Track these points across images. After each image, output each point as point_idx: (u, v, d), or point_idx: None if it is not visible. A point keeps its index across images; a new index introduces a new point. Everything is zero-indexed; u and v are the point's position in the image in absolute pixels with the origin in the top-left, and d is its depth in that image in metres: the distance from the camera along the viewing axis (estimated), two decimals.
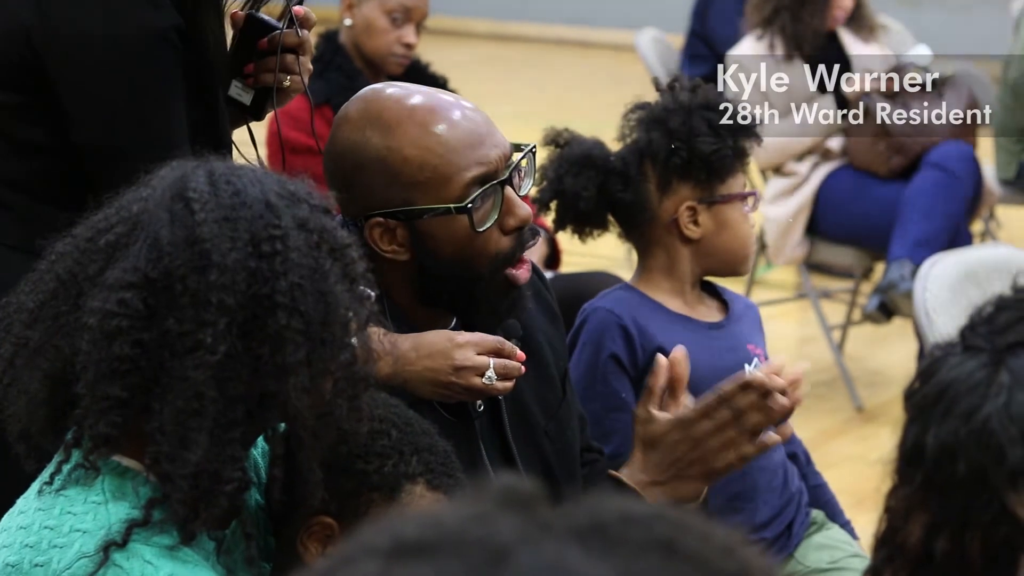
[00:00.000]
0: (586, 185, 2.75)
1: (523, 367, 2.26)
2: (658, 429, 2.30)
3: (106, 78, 2.29)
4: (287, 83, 2.45)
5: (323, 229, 1.77)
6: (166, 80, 2.31)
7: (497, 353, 2.24)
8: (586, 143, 2.80)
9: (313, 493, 1.84)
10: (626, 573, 0.80)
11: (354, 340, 1.78)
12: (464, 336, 2.23)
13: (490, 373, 2.23)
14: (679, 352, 2.33)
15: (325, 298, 1.74)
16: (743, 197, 2.77)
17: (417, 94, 2.27)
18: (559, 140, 2.80)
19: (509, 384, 2.25)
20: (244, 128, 2.55)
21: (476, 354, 2.22)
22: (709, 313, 2.83)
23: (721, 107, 2.78)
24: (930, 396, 1.37)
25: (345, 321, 1.76)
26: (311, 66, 2.50)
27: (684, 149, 2.74)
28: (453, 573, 0.80)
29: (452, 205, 2.21)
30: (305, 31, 2.46)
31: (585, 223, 2.79)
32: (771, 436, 2.31)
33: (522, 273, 2.28)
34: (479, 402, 2.34)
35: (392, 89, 2.30)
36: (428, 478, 1.93)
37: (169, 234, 1.72)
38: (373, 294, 1.87)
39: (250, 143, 2.49)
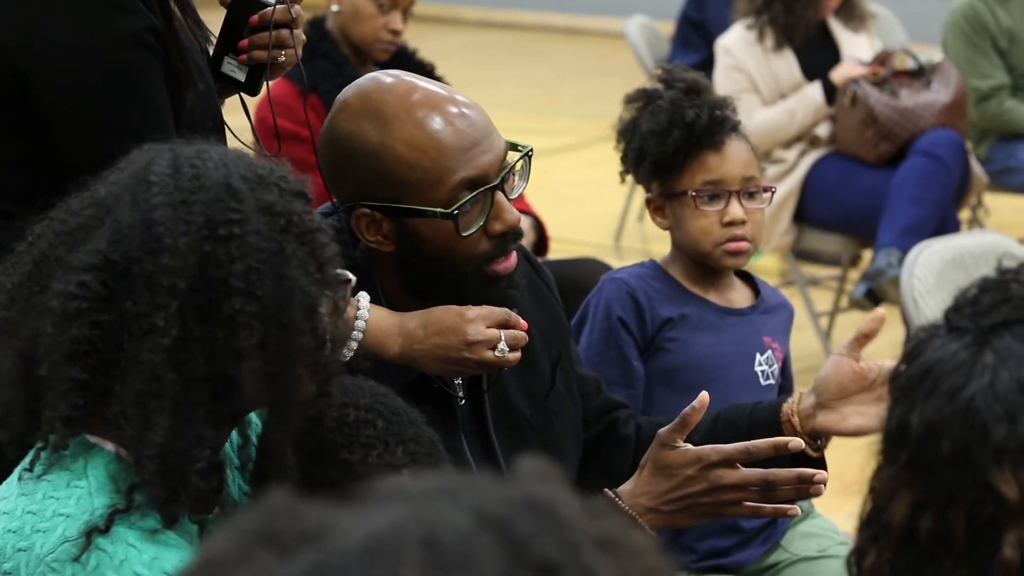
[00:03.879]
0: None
1: (527, 336, 2.26)
2: (676, 458, 2.24)
3: (84, 87, 2.28)
4: (282, 58, 2.45)
5: (291, 213, 1.76)
6: (146, 83, 2.29)
7: (505, 325, 2.24)
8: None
9: (285, 478, 1.84)
10: None
11: (321, 325, 1.77)
12: (474, 311, 2.22)
13: (502, 346, 2.22)
14: (704, 398, 2.27)
15: (283, 282, 1.73)
16: (684, 194, 2.77)
17: (418, 90, 2.26)
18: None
19: (518, 355, 2.25)
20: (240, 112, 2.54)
21: (486, 327, 2.22)
22: (734, 299, 2.84)
23: (675, 102, 2.78)
24: (915, 377, 1.38)
25: (307, 306, 1.75)
26: (304, 37, 2.49)
27: (627, 142, 2.80)
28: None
29: (439, 210, 2.20)
30: (297, 6, 2.45)
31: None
32: (793, 509, 2.29)
33: (505, 265, 2.28)
34: (460, 392, 2.34)
35: (393, 81, 2.28)
36: (413, 469, 1.93)
37: (128, 217, 1.74)
38: (352, 278, 1.87)
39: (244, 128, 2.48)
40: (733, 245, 2.76)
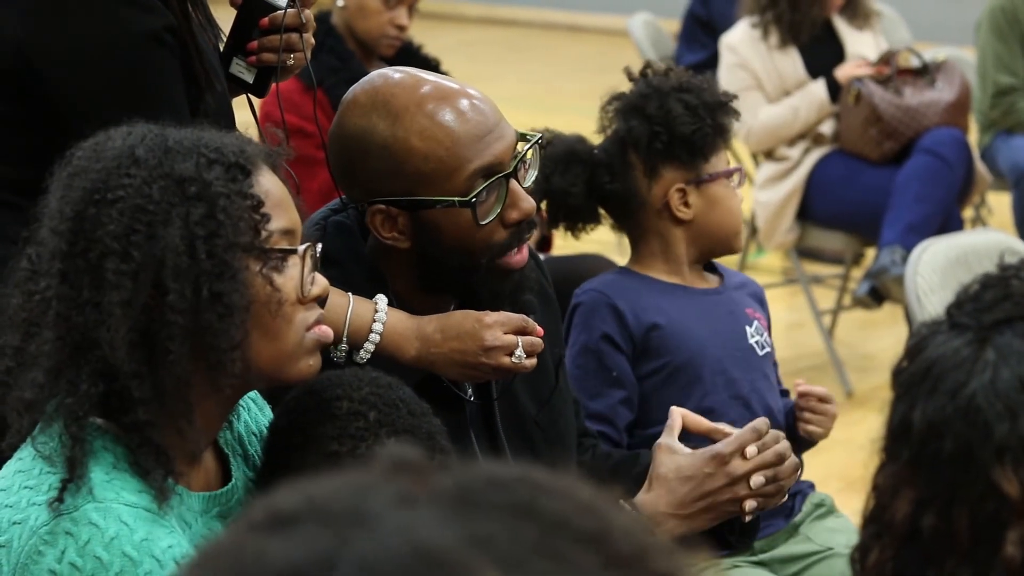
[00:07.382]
0: (574, 181, 2.81)
1: (543, 342, 2.28)
2: (693, 460, 2.31)
3: (103, 85, 2.29)
4: (291, 62, 2.45)
5: (202, 181, 1.77)
6: (164, 81, 2.30)
7: (522, 331, 2.25)
8: (568, 139, 2.86)
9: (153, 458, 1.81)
10: (472, 535, 0.80)
11: (198, 287, 1.76)
12: (492, 316, 2.23)
13: (519, 352, 2.23)
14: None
15: (158, 243, 1.75)
16: (729, 174, 2.82)
17: (427, 83, 2.25)
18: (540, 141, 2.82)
19: (534, 361, 2.26)
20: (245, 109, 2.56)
21: (504, 333, 2.23)
22: (706, 284, 2.87)
23: (694, 87, 2.81)
24: (917, 374, 1.38)
25: (180, 268, 1.75)
26: (313, 40, 2.50)
27: (664, 132, 2.78)
28: (308, 545, 0.80)
29: (456, 199, 2.20)
30: (307, 10, 2.46)
31: (577, 219, 2.85)
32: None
33: (518, 258, 2.28)
34: (469, 390, 2.34)
35: (401, 75, 2.28)
36: None
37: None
38: (299, 248, 1.85)
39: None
40: None
